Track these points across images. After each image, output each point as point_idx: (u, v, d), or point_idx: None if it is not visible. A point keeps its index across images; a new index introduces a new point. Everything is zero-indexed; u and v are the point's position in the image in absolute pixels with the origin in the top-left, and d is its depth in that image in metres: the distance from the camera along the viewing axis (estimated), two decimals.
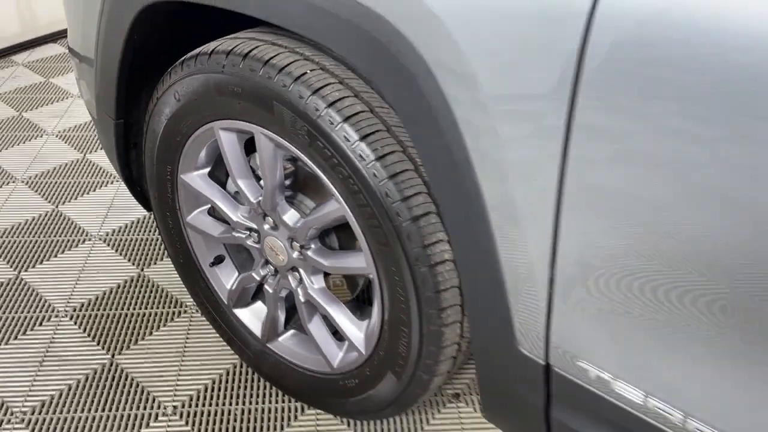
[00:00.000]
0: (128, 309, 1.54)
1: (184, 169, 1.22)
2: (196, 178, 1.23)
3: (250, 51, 0.99)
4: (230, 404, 1.33)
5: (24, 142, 2.20)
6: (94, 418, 1.29)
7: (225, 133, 1.10)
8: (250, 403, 1.34)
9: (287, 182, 1.17)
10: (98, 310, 1.54)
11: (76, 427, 1.27)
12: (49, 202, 1.90)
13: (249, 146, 1.13)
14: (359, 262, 1.05)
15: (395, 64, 0.79)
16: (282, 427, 1.29)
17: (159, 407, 1.32)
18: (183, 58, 1.09)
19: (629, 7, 0.60)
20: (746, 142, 0.57)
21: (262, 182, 1.12)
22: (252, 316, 1.33)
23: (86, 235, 1.77)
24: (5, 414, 1.29)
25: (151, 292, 1.59)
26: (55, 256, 1.70)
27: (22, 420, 1.28)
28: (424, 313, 0.98)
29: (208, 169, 1.23)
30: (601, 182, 0.68)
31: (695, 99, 0.59)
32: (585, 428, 0.88)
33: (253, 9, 0.93)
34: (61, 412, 1.30)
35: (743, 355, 0.67)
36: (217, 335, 1.44)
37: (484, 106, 0.73)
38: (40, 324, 1.50)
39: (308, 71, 0.94)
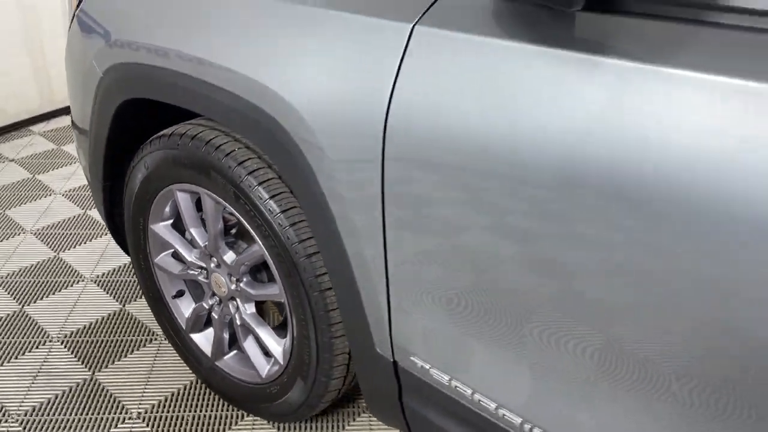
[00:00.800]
0: (110, 336, 1.87)
1: (153, 220, 1.58)
2: (162, 228, 1.58)
3: (196, 134, 1.36)
4: (184, 411, 1.64)
5: (35, 200, 2.59)
6: (74, 420, 1.61)
7: (181, 193, 1.47)
8: (200, 410, 1.65)
9: (233, 231, 1.53)
10: (85, 336, 1.87)
11: (60, 427, 1.59)
12: (52, 249, 2.26)
13: (201, 203, 1.49)
14: (275, 290, 1.39)
15: (279, 144, 1.15)
16: (224, 430, 1.60)
17: (126, 412, 1.63)
18: (151, 138, 1.46)
19: (406, 122, 0.96)
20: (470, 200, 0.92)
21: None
22: (204, 339, 1.66)
23: (80, 277, 2.12)
24: (3, 415, 1.61)
25: (129, 323, 1.93)
26: (53, 293, 2.04)
27: (17, 420, 1.60)
28: (319, 328, 1.31)
29: (171, 221, 1.58)
30: (407, 236, 1.03)
31: (451, 179, 0.94)
32: (424, 410, 1.20)
33: (195, 107, 1.30)
34: (48, 415, 1.62)
35: (519, 347, 0.99)
36: (178, 356, 1.76)
37: (332, 174, 1.08)
38: (37, 347, 1.83)
39: (236, 149, 1.31)
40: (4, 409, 1.63)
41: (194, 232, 1.50)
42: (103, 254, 2.24)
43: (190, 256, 1.56)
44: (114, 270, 2.16)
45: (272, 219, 1.27)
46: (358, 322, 1.20)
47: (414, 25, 0.95)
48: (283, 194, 1.27)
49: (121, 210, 1.73)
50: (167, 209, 1.56)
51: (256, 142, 1.21)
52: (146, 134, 1.53)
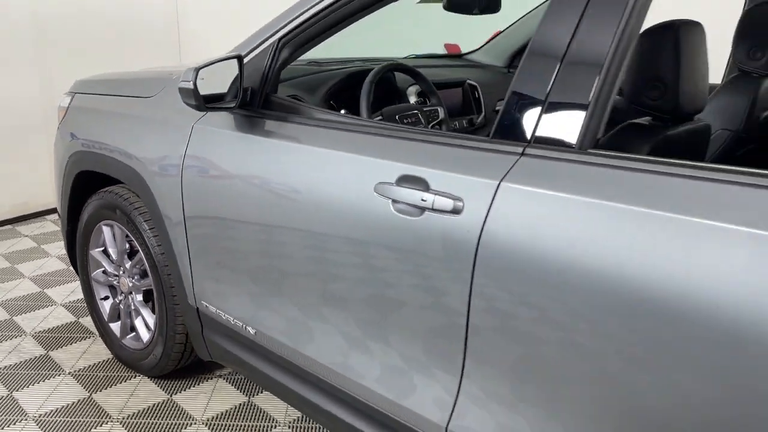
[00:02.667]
0: (72, 333, 2.81)
1: (92, 248, 2.57)
2: (97, 253, 2.57)
3: (112, 189, 2.39)
4: (100, 372, 2.54)
5: (36, 260, 3.61)
6: (51, 374, 2.52)
7: (105, 227, 2.48)
8: (109, 371, 2.55)
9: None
10: (56, 333, 2.81)
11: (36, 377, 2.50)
12: (40, 287, 3.25)
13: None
14: (149, 280, 2.35)
15: (142, 188, 2.16)
16: (121, 382, 2.49)
17: (61, 370, 2.54)
18: (92, 194, 2.50)
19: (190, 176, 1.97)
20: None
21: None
22: (117, 326, 2.59)
23: (54, 303, 3.09)
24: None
25: (79, 329, 2.86)
26: (37, 310, 3.01)
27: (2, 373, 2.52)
28: (167, 298, 2.25)
29: (102, 249, 2.57)
30: (199, 226, 2.01)
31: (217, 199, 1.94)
32: (216, 338, 2.10)
33: (112, 173, 2.34)
34: (37, 370, 2.53)
35: (260, 295, 1.93)
36: (104, 343, 2.68)
37: (164, 201, 2.08)
38: (10, 340, 2.77)
39: (130, 195, 2.32)
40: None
41: (111, 251, 2.50)
42: (74, 291, 3.23)
43: (110, 268, 2.53)
44: (78, 299, 3.13)
45: (145, 234, 2.26)
46: (180, 287, 2.15)
47: (194, 124, 1.99)
48: (151, 219, 2.27)
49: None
50: (100, 240, 2.56)
51: (136, 189, 2.24)
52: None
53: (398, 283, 1.47)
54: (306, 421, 2.27)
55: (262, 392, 2.44)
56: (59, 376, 2.52)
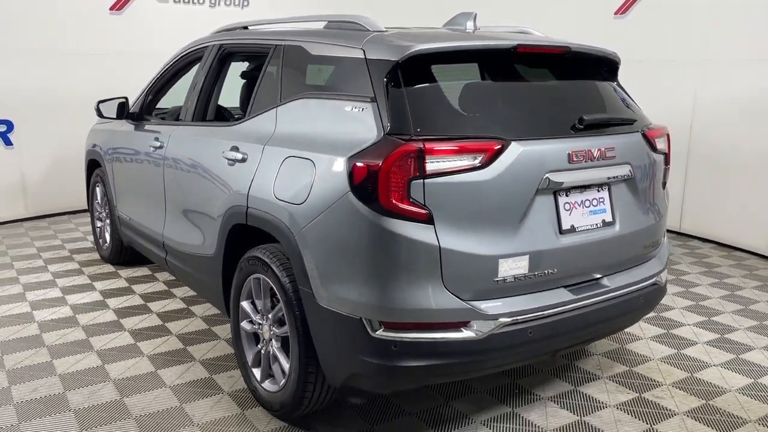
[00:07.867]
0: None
1: (93, 199, 5.07)
2: (95, 202, 5.06)
3: (100, 168, 4.87)
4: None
5: (73, 229, 6.24)
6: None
7: (97, 187, 4.98)
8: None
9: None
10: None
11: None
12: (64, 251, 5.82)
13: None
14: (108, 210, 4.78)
15: (104, 167, 4.62)
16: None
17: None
18: (92, 173, 5.02)
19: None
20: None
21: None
22: (100, 240, 5.03)
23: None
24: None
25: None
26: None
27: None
28: (113, 215, 4.66)
29: (98, 200, 5.05)
30: (120, 181, 4.42)
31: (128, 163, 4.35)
32: (123, 229, 4.48)
33: (98, 159, 4.83)
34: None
35: (143, 206, 4.30)
36: (97, 252, 5.12)
37: (106, 171, 4.51)
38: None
39: (101, 170, 4.79)
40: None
41: (99, 200, 4.97)
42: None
43: (99, 208, 5.00)
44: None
45: (106, 185, 4.71)
46: (113, 207, 4.55)
47: (117, 130, 4.41)
48: (108, 179, 4.70)
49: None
50: (95, 194, 5.04)
51: (102, 165, 4.71)
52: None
53: (158, 185, 3.76)
54: None
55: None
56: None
